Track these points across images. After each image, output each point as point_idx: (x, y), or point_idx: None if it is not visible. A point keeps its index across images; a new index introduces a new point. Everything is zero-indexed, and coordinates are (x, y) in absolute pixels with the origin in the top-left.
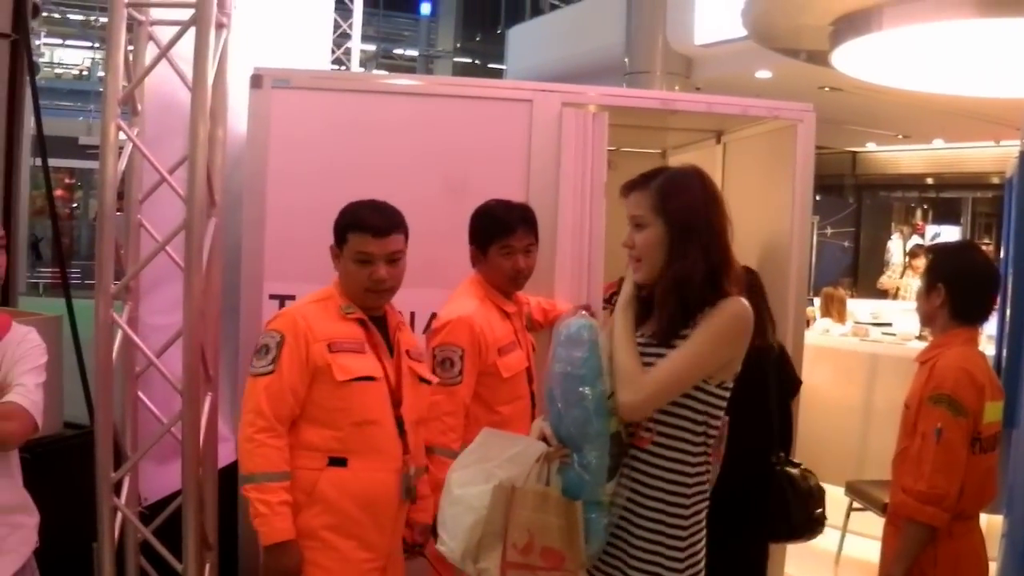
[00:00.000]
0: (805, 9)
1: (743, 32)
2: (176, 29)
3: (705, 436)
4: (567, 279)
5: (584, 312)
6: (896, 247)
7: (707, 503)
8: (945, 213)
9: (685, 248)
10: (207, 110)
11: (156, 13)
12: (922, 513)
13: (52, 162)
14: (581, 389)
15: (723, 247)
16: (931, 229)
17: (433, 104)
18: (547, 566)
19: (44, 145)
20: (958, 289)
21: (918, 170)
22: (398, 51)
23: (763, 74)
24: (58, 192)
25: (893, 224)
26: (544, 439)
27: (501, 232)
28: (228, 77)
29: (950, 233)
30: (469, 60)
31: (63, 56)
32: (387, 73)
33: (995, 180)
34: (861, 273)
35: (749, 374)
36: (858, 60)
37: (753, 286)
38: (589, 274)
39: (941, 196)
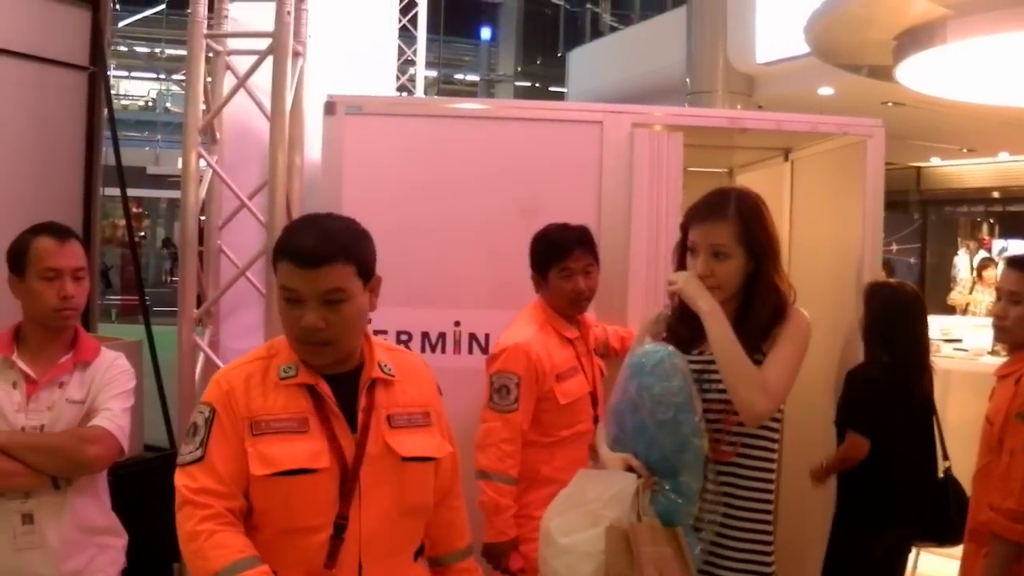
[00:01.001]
0: (868, 24)
1: (805, 49)
2: (252, 58)
3: (777, 444)
4: (640, 302)
5: (655, 339)
6: (963, 262)
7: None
8: (1012, 227)
9: (765, 272)
10: (286, 137)
11: (233, 43)
12: (1011, 531)
13: (118, 192)
14: (679, 417)
15: (779, 263)
16: (997, 243)
17: (504, 127)
18: None
19: (123, 175)
20: None
21: (984, 183)
22: (458, 76)
23: (825, 91)
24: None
25: (959, 239)
26: (630, 469)
27: (559, 255)
28: (304, 105)
29: (1017, 247)
30: (530, 84)
31: (129, 88)
32: (458, 98)
33: None
34: (928, 289)
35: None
36: (922, 74)
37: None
38: (665, 298)
39: (1008, 210)
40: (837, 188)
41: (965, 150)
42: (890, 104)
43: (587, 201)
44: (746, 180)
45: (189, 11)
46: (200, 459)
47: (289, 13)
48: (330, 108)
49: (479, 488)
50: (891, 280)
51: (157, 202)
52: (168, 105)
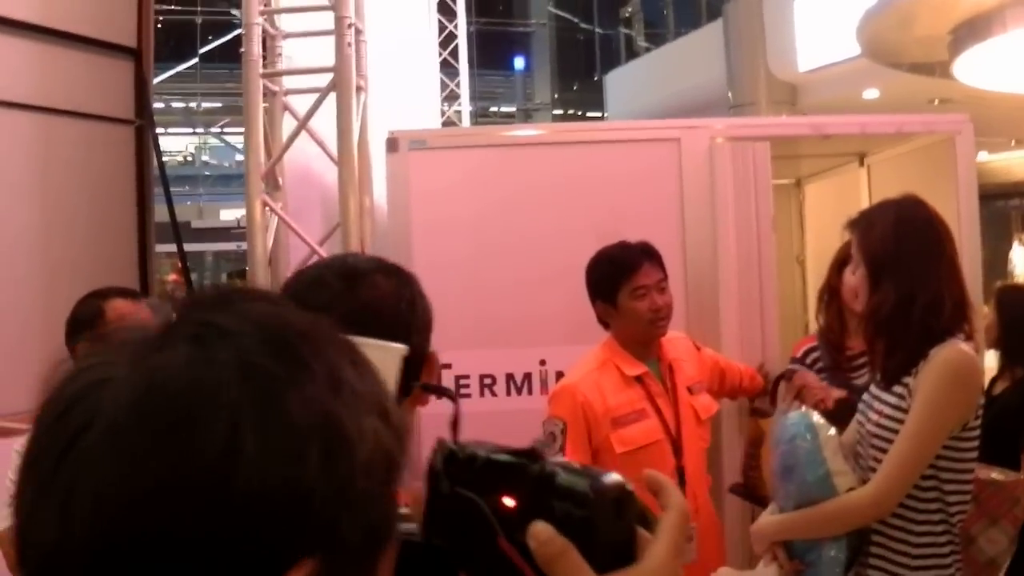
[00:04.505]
0: (921, 20)
1: (847, 54)
2: (309, 98)
3: (938, 492)
4: (734, 321)
5: (799, 406)
6: (1019, 256)
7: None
8: None
9: (878, 284)
10: (356, 179)
11: (289, 82)
12: None
13: (166, 247)
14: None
15: (926, 279)
16: None
17: (576, 152)
18: None
19: (177, 228)
20: None
21: None
22: (493, 108)
23: (870, 93)
24: (172, 276)
25: (1014, 233)
26: (775, 559)
27: (627, 272)
28: (370, 142)
29: None
30: (567, 111)
31: (167, 144)
32: (525, 124)
33: None
34: (984, 286)
35: None
36: (979, 67)
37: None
38: (762, 322)
39: None
40: (923, 190)
41: (1013, 142)
42: (937, 102)
43: (670, 222)
44: (817, 189)
45: (242, 50)
46: None
47: (350, 45)
48: (392, 144)
49: None
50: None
51: (201, 256)
52: (206, 158)
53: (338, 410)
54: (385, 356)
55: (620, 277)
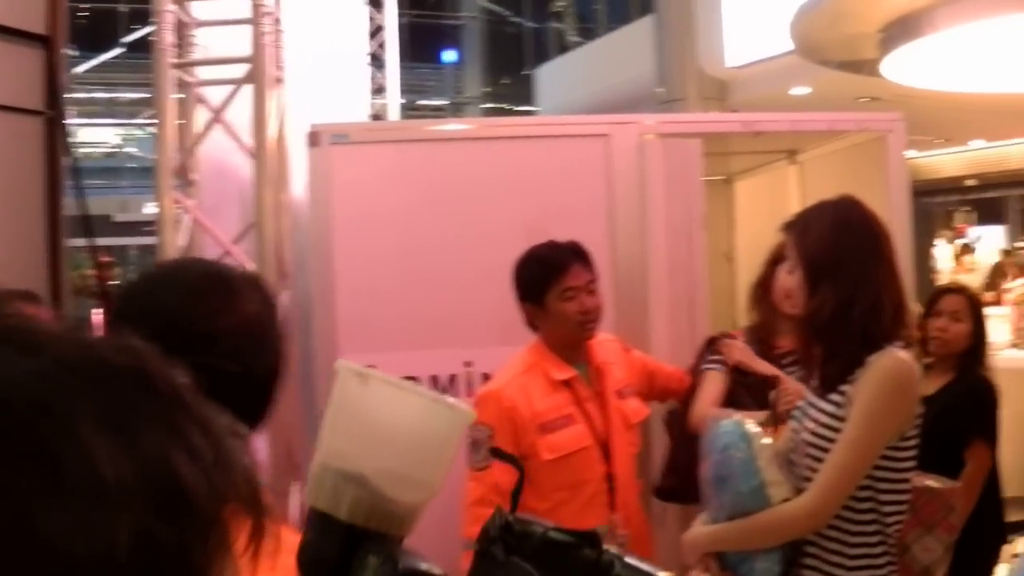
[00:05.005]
0: (853, 18)
1: (776, 50)
2: (227, 89)
3: (874, 502)
4: (664, 321)
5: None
6: (942, 253)
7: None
8: (987, 214)
9: (816, 288)
10: (272, 174)
11: (204, 73)
12: None
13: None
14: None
15: (865, 283)
16: (973, 231)
17: (505, 147)
18: None
19: (89, 222)
20: None
21: (958, 172)
22: (423, 101)
23: (800, 90)
24: (93, 272)
25: (937, 230)
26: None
27: (555, 273)
28: (289, 136)
29: (993, 233)
30: (497, 105)
31: (90, 135)
32: (452, 119)
33: None
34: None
35: None
36: (908, 66)
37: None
38: (693, 320)
39: (983, 197)
40: (855, 187)
41: (940, 140)
42: (866, 100)
43: (598, 220)
44: (747, 186)
45: (154, 38)
46: None
47: (267, 34)
48: (314, 139)
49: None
50: None
51: (124, 250)
52: (132, 150)
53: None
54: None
55: (549, 278)
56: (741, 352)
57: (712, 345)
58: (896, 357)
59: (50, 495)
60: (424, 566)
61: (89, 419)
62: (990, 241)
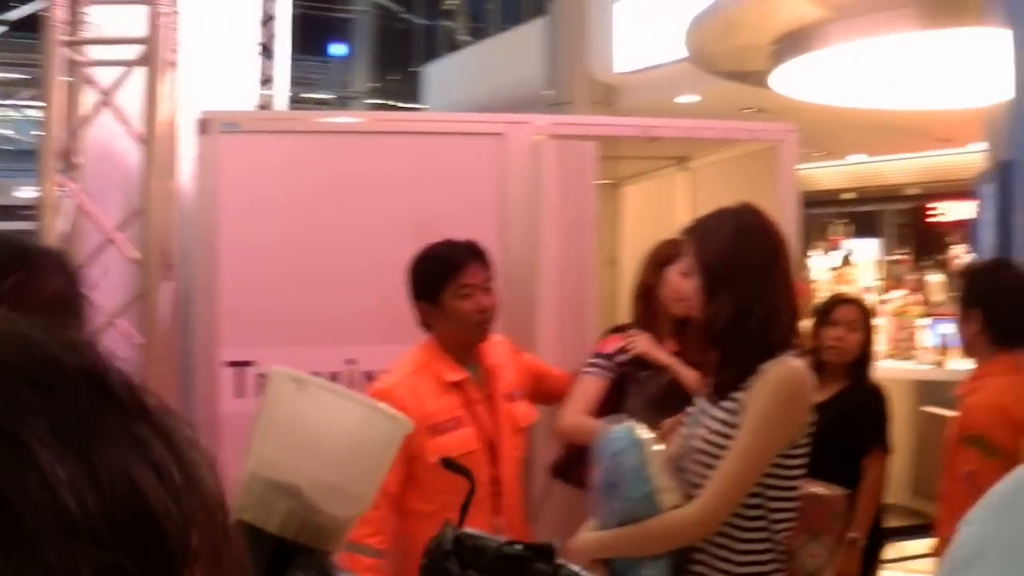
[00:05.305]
0: (744, 30)
1: (666, 58)
2: (117, 71)
3: (763, 509)
4: (552, 325)
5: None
6: (817, 264)
7: None
8: (863, 227)
9: (712, 294)
10: (162, 161)
11: (95, 52)
12: None
13: None
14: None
15: (763, 292)
16: (847, 244)
17: (398, 142)
18: None
19: None
20: (994, 311)
21: (836, 185)
22: (308, 95)
23: (688, 98)
24: None
25: (814, 242)
26: None
27: (451, 271)
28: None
29: (867, 247)
30: (384, 101)
31: None
32: (347, 111)
33: (913, 191)
34: None
35: None
36: (795, 79)
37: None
38: (582, 324)
39: (859, 210)
40: (744, 196)
41: (820, 153)
42: (751, 111)
43: (489, 219)
44: (636, 191)
45: (46, 13)
46: None
47: (163, 15)
48: (204, 126)
49: None
50: None
51: None
52: (8, 132)
53: None
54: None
55: (445, 276)
56: (647, 343)
57: (617, 333)
58: (790, 366)
59: (2, 533)
60: None
61: (45, 437)
62: (864, 254)
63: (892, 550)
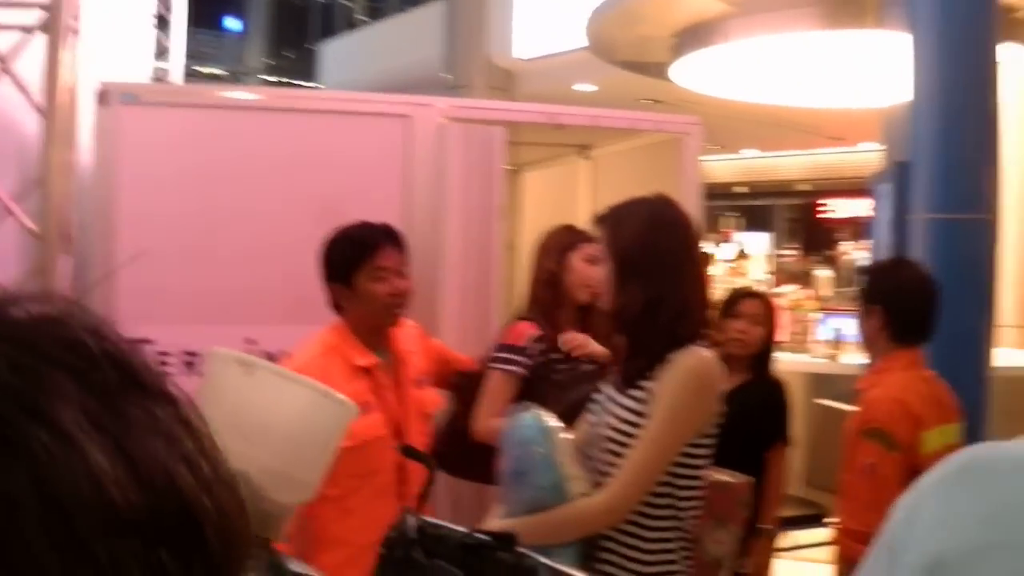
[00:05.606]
0: (646, 21)
1: (565, 46)
2: (17, 36)
3: (672, 498)
4: (455, 311)
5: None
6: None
7: (679, 564)
8: (754, 221)
9: (624, 283)
10: (62, 132)
11: None
12: (856, 552)
13: None
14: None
15: (675, 283)
16: (738, 237)
17: (302, 120)
18: None
19: None
20: (894, 309)
21: (729, 179)
22: (202, 69)
23: (585, 87)
24: None
25: (706, 234)
26: None
27: (366, 253)
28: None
29: (758, 240)
30: (279, 78)
31: None
32: (254, 87)
33: (804, 187)
34: None
35: None
36: (694, 72)
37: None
38: (486, 310)
39: (751, 204)
40: (647, 186)
41: (714, 147)
42: (647, 101)
43: (393, 202)
44: (537, 178)
45: None
46: None
47: None
48: (103, 97)
49: None
50: None
51: None
52: None
53: None
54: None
55: (359, 257)
56: (586, 341)
57: (524, 322)
58: (700, 356)
59: (48, 524)
60: (311, 572)
61: (85, 426)
62: (755, 248)
63: (786, 539)
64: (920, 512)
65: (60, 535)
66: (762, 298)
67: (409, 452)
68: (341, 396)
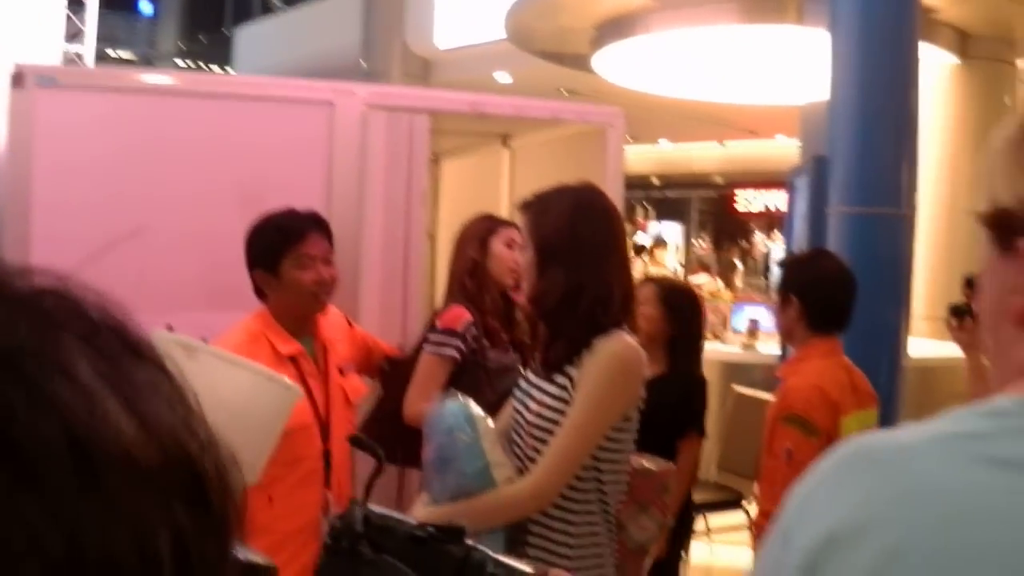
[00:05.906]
0: (566, 12)
1: (484, 37)
2: None
3: (598, 482)
4: (376, 299)
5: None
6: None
7: (606, 548)
8: (668, 211)
9: (545, 269)
10: None
11: None
12: None
13: None
14: (473, 488)
15: (597, 270)
16: (653, 226)
17: (224, 106)
18: None
19: None
20: (812, 299)
21: (644, 170)
22: (113, 52)
23: (502, 77)
24: None
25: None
26: None
27: (292, 240)
28: None
29: (672, 230)
30: (192, 62)
31: None
32: (175, 71)
33: (717, 180)
34: None
35: None
36: (617, 64)
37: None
38: (405, 298)
39: (665, 196)
40: (568, 176)
41: (629, 139)
42: (564, 92)
43: (315, 190)
44: (456, 167)
45: None
46: None
47: None
48: (18, 79)
49: None
50: None
51: None
52: None
53: None
54: None
55: (285, 244)
56: None
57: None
58: (624, 341)
59: (80, 474)
60: (261, 560)
61: (101, 382)
62: (668, 238)
63: (699, 523)
64: (811, 498)
65: (91, 486)
66: (651, 283)
67: (357, 442)
68: (286, 379)
